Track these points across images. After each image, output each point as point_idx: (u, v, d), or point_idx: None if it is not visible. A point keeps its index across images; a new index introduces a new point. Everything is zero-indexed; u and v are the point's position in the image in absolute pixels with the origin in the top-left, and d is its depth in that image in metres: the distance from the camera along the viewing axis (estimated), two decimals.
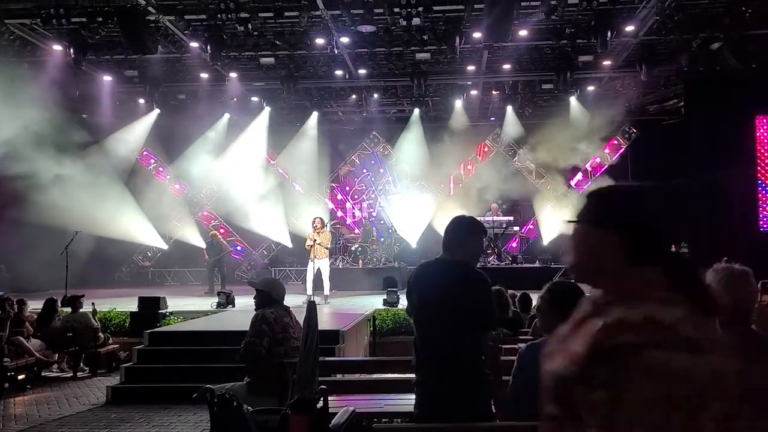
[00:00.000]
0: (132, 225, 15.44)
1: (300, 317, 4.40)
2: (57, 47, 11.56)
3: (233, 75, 13.56)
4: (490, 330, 3.53)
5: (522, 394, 2.69)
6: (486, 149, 17.70)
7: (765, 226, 13.43)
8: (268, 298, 5.03)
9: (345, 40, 11.35)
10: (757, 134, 13.65)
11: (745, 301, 2.35)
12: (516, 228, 15.92)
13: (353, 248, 15.65)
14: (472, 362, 3.17)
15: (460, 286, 3.11)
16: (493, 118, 17.40)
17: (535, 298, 7.74)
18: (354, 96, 15.37)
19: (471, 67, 13.36)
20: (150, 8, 10.15)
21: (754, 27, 10.93)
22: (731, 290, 2.32)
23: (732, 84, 12.63)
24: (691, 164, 13.85)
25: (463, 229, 3.31)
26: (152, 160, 17.84)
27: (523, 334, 5.85)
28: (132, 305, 10.00)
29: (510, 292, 7.05)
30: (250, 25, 10.40)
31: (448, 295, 3.10)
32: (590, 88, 14.91)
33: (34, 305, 9.50)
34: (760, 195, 13.51)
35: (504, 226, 15.08)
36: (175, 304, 10.77)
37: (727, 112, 12.95)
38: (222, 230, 17.09)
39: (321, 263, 11.63)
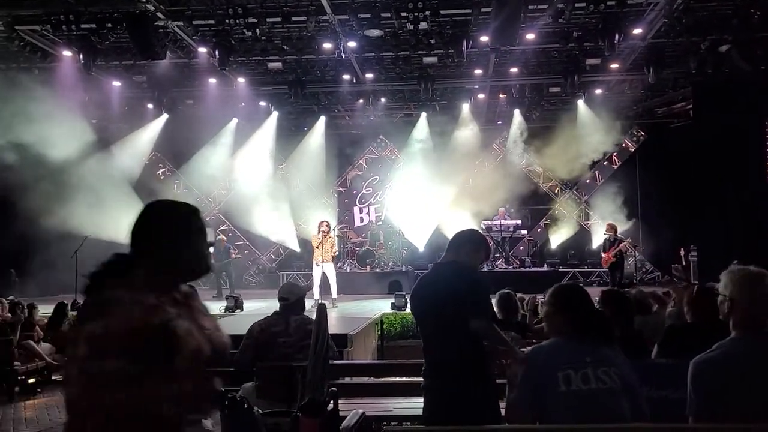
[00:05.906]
0: None
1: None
2: (67, 53, 11.64)
3: (241, 80, 13.62)
4: (484, 323, 3.26)
5: (524, 395, 2.61)
6: (493, 152, 17.66)
7: None
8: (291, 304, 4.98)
9: (352, 44, 11.38)
10: None
11: (761, 303, 2.33)
12: (524, 232, 15.87)
13: (360, 252, 15.64)
14: (477, 366, 3.18)
15: (451, 281, 3.27)
16: (500, 122, 17.37)
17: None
18: (361, 100, 15.38)
19: (478, 71, 13.36)
20: (159, 14, 10.21)
21: (762, 29, 10.88)
22: (746, 291, 2.31)
23: (741, 86, 12.55)
24: (700, 167, 13.76)
25: (464, 239, 3.50)
26: (161, 165, 17.92)
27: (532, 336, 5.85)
28: None
29: (519, 295, 7.05)
30: (257, 30, 10.44)
31: (441, 295, 3.24)
32: (598, 91, 14.87)
33: (45, 309, 9.53)
34: None
35: (511, 229, 15.04)
36: None
37: (736, 115, 12.84)
38: (230, 234, 17.17)
39: (327, 267, 11.63)
